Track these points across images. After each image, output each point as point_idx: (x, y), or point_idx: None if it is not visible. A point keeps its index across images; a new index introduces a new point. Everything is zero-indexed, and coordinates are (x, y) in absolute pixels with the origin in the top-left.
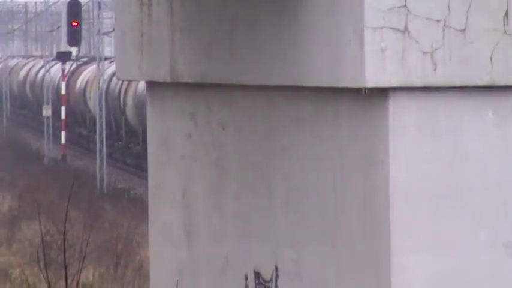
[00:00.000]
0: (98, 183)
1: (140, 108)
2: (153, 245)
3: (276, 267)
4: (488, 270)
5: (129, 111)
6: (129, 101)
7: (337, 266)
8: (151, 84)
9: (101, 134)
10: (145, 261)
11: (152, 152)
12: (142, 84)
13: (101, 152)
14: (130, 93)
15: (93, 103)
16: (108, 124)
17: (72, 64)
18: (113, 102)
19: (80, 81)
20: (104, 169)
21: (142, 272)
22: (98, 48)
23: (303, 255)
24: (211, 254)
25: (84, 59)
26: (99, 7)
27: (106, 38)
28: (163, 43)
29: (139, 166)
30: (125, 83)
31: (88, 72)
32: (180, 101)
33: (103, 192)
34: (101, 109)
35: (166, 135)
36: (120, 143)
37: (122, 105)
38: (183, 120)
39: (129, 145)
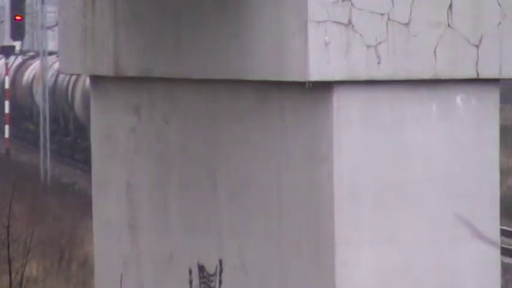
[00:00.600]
0: (42, 178)
1: (89, 103)
2: (97, 239)
3: (220, 261)
4: (431, 263)
5: (78, 106)
6: (78, 95)
7: (281, 260)
8: (95, 79)
9: (44, 128)
10: (90, 255)
11: (96, 147)
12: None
13: (44, 146)
14: (79, 88)
15: (39, 98)
16: (56, 119)
17: (16, 58)
18: (60, 97)
19: (27, 76)
20: (47, 163)
21: (87, 266)
22: (42, 43)
23: (248, 249)
24: (156, 248)
25: (31, 54)
26: (43, 1)
27: (50, 32)
28: (106, 37)
29: (87, 161)
30: (73, 78)
31: (35, 66)
32: (124, 95)
33: (47, 187)
34: (45, 104)
35: (110, 129)
36: (68, 138)
37: (70, 100)
38: (127, 115)
39: (77, 140)
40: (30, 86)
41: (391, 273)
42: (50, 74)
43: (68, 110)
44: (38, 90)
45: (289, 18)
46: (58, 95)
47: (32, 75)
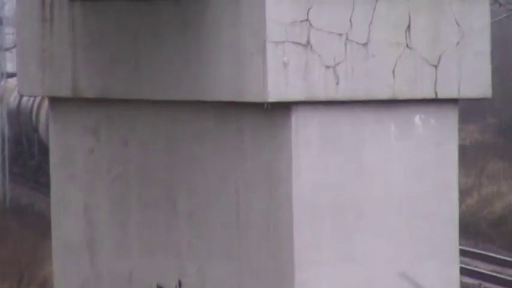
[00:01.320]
0: (1, 199)
1: None
2: (56, 260)
3: (180, 282)
4: (392, 283)
5: (42, 128)
6: (42, 117)
7: (241, 281)
8: (54, 100)
9: (3, 151)
10: (50, 276)
11: (54, 168)
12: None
13: (3, 169)
14: (43, 109)
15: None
16: (19, 142)
17: None
18: (25, 119)
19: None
20: (6, 185)
21: (46, 287)
22: (0, 64)
23: (207, 270)
24: (115, 269)
25: None
26: (1, 23)
27: (8, 54)
28: (65, 59)
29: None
30: (38, 99)
31: None
32: (82, 116)
33: (5, 208)
34: (3, 127)
35: (69, 150)
36: (32, 161)
37: (34, 122)
38: (85, 136)
39: (41, 164)
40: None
41: None
42: (13, 96)
43: (32, 132)
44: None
45: (248, 38)
46: (23, 117)
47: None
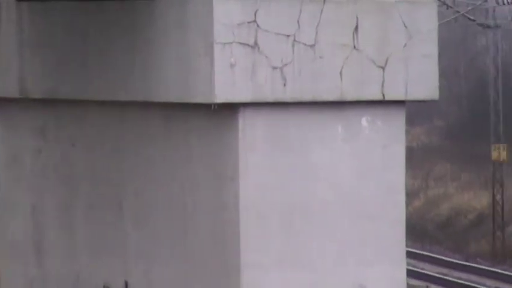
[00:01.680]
0: None
1: None
2: (2, 262)
3: (126, 283)
4: (339, 284)
5: None
6: None
7: (187, 282)
8: (1, 100)
9: None
10: None
11: (2, 169)
12: None
13: None
14: None
15: None
16: None
17: None
18: None
19: None
20: None
21: None
22: None
23: (154, 271)
24: (62, 270)
25: None
26: None
27: None
28: (12, 59)
29: None
30: None
31: None
32: (30, 117)
33: None
34: None
35: (16, 151)
36: None
37: None
38: (33, 137)
39: None
40: None
41: None
42: None
43: None
44: None
45: (195, 40)
46: None
47: None
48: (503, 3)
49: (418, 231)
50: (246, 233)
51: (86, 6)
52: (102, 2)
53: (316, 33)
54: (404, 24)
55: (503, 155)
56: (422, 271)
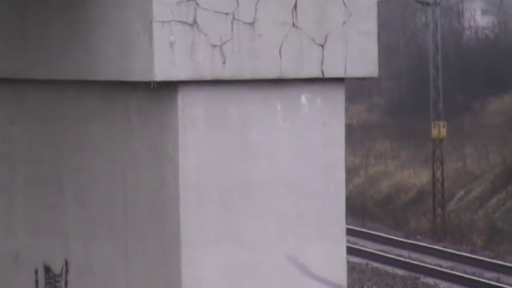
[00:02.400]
0: None
1: None
2: None
3: (66, 261)
4: (278, 262)
5: None
6: None
7: (127, 260)
8: None
9: None
10: None
11: None
12: None
13: None
14: None
15: None
16: None
17: None
18: None
19: None
20: None
21: None
22: None
23: (93, 250)
24: (1, 248)
25: None
26: None
27: None
28: None
29: None
30: None
31: None
32: None
33: None
34: None
35: None
36: None
37: None
38: None
39: None
40: None
41: (238, 272)
42: None
43: None
44: None
45: (134, 18)
46: None
47: None
48: None
49: (358, 208)
50: (186, 211)
51: None
52: None
53: (256, 11)
54: (343, 1)
55: (443, 132)
56: (363, 248)
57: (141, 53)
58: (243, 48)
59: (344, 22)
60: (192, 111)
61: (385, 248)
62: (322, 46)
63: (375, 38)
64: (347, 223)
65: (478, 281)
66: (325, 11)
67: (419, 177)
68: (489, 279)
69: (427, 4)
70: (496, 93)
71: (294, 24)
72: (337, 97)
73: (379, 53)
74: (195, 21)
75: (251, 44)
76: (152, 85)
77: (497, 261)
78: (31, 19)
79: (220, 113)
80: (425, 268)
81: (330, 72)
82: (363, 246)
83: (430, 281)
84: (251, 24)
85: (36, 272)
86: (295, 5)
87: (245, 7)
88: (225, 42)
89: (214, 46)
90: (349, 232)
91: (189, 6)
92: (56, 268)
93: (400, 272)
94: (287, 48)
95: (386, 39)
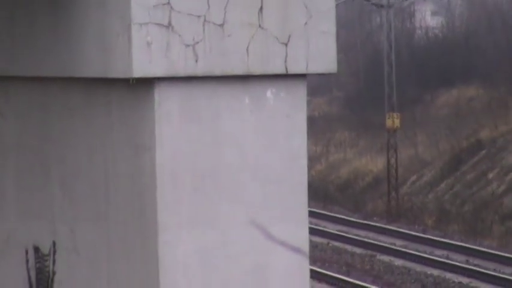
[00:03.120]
0: None
1: None
2: None
3: (54, 243)
4: (247, 243)
5: None
6: None
7: (109, 244)
8: None
9: None
10: None
11: None
12: None
13: None
14: None
15: None
16: None
17: None
18: None
19: None
20: None
21: None
22: None
23: (78, 233)
24: None
25: None
26: None
27: None
28: None
29: None
30: None
31: None
32: None
33: None
34: None
35: None
36: None
37: None
38: None
39: None
40: None
41: (210, 253)
42: None
43: None
44: None
45: (115, 20)
46: None
47: None
48: None
49: (320, 193)
50: (162, 197)
51: None
52: None
53: (225, 13)
54: (304, 4)
55: (397, 122)
56: (324, 229)
57: (120, 52)
58: (214, 48)
59: (306, 23)
60: (167, 105)
61: (345, 228)
62: (286, 45)
63: (333, 38)
64: (309, 206)
65: (429, 258)
66: (288, 13)
67: (375, 164)
68: (439, 257)
69: (381, 6)
70: (445, 87)
71: (260, 25)
72: (300, 91)
73: (338, 51)
74: (170, 23)
75: (221, 44)
76: (131, 81)
77: (446, 240)
78: (19, 20)
79: (193, 107)
80: (380, 247)
81: (293, 69)
82: (324, 227)
83: (386, 258)
84: (221, 25)
85: (26, 252)
86: (261, 8)
87: (215, 10)
88: (197, 42)
89: (187, 46)
90: (312, 214)
91: (165, 9)
92: (44, 249)
93: (358, 250)
94: (254, 47)
95: (344, 38)
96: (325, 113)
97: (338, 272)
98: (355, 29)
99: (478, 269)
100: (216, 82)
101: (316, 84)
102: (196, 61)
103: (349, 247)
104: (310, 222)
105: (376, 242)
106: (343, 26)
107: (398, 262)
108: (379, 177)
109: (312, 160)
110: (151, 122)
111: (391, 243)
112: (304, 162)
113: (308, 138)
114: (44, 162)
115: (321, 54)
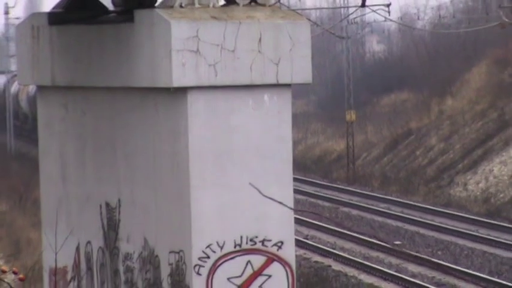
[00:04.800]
0: (8, 149)
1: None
2: (42, 186)
3: (119, 200)
4: (250, 201)
5: (23, 103)
6: (23, 97)
7: (156, 199)
8: (40, 87)
9: (9, 120)
10: (39, 197)
11: (41, 129)
12: (33, 87)
13: (10, 130)
14: (23, 93)
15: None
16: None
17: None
18: (14, 99)
19: (13, 88)
20: (12, 140)
21: (37, 203)
22: (8, 65)
23: (135, 192)
24: (78, 192)
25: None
26: (9, 40)
27: (12, 59)
28: (46, 61)
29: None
30: (20, 87)
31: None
32: (57, 97)
33: (11, 155)
34: (10, 105)
35: (49, 118)
36: (17, 122)
37: (18, 100)
38: (59, 109)
39: (23, 124)
40: (16, 94)
41: (225, 207)
42: (14, 86)
43: (17, 106)
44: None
45: (160, 48)
46: (13, 98)
47: (17, 88)
48: (352, 23)
49: (300, 165)
50: (193, 168)
51: (91, 28)
52: (102, 25)
53: (235, 43)
54: (289, 36)
55: (353, 117)
56: (304, 190)
57: (164, 69)
58: (228, 66)
59: (290, 49)
60: (196, 105)
61: (318, 189)
62: (277, 64)
63: (309, 59)
64: (294, 174)
65: (375, 210)
66: (279, 43)
67: (338, 145)
68: (382, 208)
69: (343, 37)
70: (386, 92)
71: (259, 51)
72: (287, 96)
73: (312, 68)
74: (197, 50)
75: (233, 63)
76: (171, 89)
77: (388, 197)
78: (96, 48)
79: (214, 106)
80: (342, 201)
81: (282, 80)
82: (304, 188)
83: (345, 209)
84: (233, 51)
85: (100, 207)
86: (260, 39)
87: (229, 41)
88: (216, 63)
89: (210, 65)
90: (295, 180)
91: (194, 40)
92: (113, 204)
93: (327, 204)
94: (255, 66)
95: (317, 60)
96: (304, 111)
97: (313, 219)
98: (324, 54)
99: (409, 217)
100: (229, 89)
101: (298, 91)
102: (216, 75)
103: (320, 202)
104: (294, 185)
105: (339, 198)
106: (317, 51)
107: (354, 212)
108: (341, 155)
109: (295, 143)
110: (185, 116)
111: (349, 199)
112: (290, 144)
113: (292, 128)
114: (112, 145)
115: (301, 70)
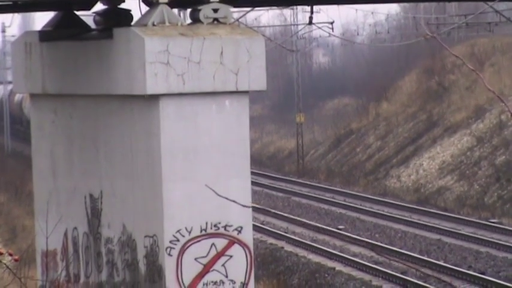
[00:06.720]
0: (6, 148)
1: None
2: (35, 180)
3: (101, 191)
4: (212, 192)
5: (27, 110)
6: (27, 104)
7: (133, 190)
8: (32, 95)
9: (7, 123)
10: (32, 189)
11: (33, 131)
12: None
13: (6, 132)
14: (27, 101)
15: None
16: (13, 117)
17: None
18: (17, 106)
19: (17, 97)
20: (9, 140)
21: (30, 195)
22: (5, 76)
23: (116, 185)
24: (66, 184)
25: None
26: (4, 54)
27: (8, 71)
28: (38, 72)
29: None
30: (24, 95)
31: None
32: (48, 103)
33: (8, 153)
34: (6, 110)
35: (41, 121)
36: (21, 127)
37: (22, 107)
38: (49, 114)
39: (26, 129)
40: (20, 102)
41: (193, 197)
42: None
43: (20, 112)
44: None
45: (135, 60)
46: (16, 105)
47: (21, 96)
48: (301, 38)
49: (257, 161)
50: (165, 164)
51: (77, 44)
52: (85, 41)
53: (200, 55)
54: (247, 49)
55: (302, 119)
56: (260, 182)
57: (139, 79)
58: (194, 76)
59: (248, 61)
60: (167, 110)
61: (272, 181)
62: (236, 74)
63: (264, 69)
64: (251, 169)
65: (322, 199)
66: (238, 55)
67: (290, 144)
68: (327, 197)
69: (293, 51)
70: (330, 98)
71: (221, 63)
72: (245, 101)
73: (267, 77)
74: (168, 62)
75: (198, 74)
76: (145, 96)
77: (332, 188)
78: (80, 62)
79: (182, 110)
80: (293, 192)
81: (241, 88)
82: (260, 181)
83: (296, 199)
84: (198, 63)
85: (85, 198)
86: (222, 52)
87: (195, 54)
88: (184, 73)
89: (178, 75)
90: (253, 173)
91: (165, 54)
92: (96, 195)
93: (280, 194)
94: (218, 75)
95: (271, 70)
96: (260, 114)
97: (268, 207)
98: (277, 65)
99: (350, 204)
100: (196, 96)
101: (254, 97)
102: (184, 84)
103: (274, 192)
104: (252, 178)
105: (290, 189)
106: (270, 62)
107: (304, 201)
108: (292, 152)
109: (252, 142)
110: (158, 119)
111: (299, 190)
112: (248, 142)
113: (250, 129)
114: (96, 144)
115: (257, 79)
